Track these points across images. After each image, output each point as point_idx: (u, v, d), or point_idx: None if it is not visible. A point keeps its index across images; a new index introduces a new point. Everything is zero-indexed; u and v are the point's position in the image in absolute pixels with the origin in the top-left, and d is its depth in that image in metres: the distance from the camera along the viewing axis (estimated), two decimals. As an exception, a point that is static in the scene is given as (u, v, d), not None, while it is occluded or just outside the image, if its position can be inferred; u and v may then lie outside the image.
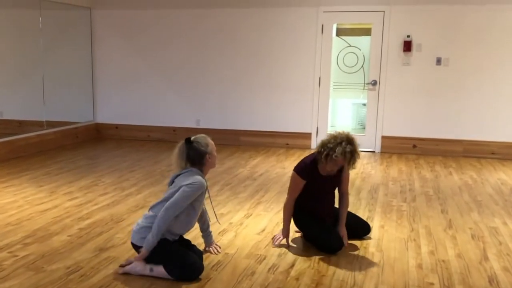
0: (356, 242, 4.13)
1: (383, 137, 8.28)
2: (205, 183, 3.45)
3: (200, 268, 3.37)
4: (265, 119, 8.58)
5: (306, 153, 8.05)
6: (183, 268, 3.31)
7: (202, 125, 8.76)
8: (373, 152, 8.31)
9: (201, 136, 3.57)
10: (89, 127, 8.93)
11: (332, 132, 3.81)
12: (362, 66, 8.41)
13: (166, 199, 3.41)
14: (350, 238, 4.11)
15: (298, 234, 4.24)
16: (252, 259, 3.75)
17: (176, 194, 3.35)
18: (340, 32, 9.01)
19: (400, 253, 3.92)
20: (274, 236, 4.11)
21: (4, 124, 8.33)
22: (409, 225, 4.60)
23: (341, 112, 9.88)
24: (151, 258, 3.35)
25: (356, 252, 3.92)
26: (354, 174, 6.66)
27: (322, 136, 8.44)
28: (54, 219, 4.55)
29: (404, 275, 3.51)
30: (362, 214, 4.90)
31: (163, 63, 8.77)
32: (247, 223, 4.57)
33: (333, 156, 3.69)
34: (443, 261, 3.78)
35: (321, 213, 4.03)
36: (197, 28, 8.57)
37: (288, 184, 4.16)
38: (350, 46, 8.45)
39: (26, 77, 8.25)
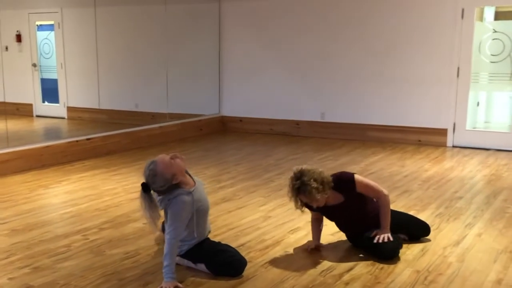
0: (439, 250, 3.88)
1: (532, 135, 7.54)
2: (188, 198, 3.38)
3: (238, 266, 3.43)
4: (395, 113, 8.28)
5: (440, 151, 7.64)
6: (221, 267, 3.43)
7: (327, 119, 8.73)
8: (520, 152, 7.61)
9: (151, 170, 3.36)
10: (214, 119, 9.38)
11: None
12: (509, 54, 7.71)
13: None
14: (410, 240, 3.98)
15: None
16: (310, 259, 3.71)
17: (168, 221, 3.37)
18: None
19: (483, 266, 3.59)
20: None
21: (138, 116, 9.16)
22: (513, 235, 4.19)
23: (497, 106, 9.13)
24: (192, 257, 3.51)
25: (432, 260, 3.68)
26: (481, 175, 6.19)
27: (460, 133, 7.93)
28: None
29: (473, 290, 3.23)
30: (464, 220, 4.56)
31: (288, 55, 8.89)
32: (326, 222, 4.49)
33: (290, 199, 3.65)
34: (533, 278, 3.39)
35: (363, 230, 3.85)
36: (324, 19, 8.54)
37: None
38: (495, 31, 7.80)
39: (157, 71, 8.96)
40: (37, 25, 9.06)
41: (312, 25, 8.64)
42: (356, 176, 3.76)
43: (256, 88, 9.21)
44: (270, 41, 9.00)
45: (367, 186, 3.77)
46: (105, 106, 9.11)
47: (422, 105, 8.11)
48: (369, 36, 8.29)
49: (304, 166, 3.64)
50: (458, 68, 7.87)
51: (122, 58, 9.20)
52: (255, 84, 9.21)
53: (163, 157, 3.42)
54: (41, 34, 9.09)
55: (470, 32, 7.76)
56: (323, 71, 8.68)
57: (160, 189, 3.37)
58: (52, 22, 8.98)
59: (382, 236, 3.71)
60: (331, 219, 3.94)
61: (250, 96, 9.28)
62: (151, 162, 3.40)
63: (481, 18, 8.18)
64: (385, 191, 3.80)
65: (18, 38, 8.76)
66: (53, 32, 8.95)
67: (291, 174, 3.63)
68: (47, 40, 9.08)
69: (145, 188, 3.38)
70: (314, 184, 3.50)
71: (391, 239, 3.71)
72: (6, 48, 8.40)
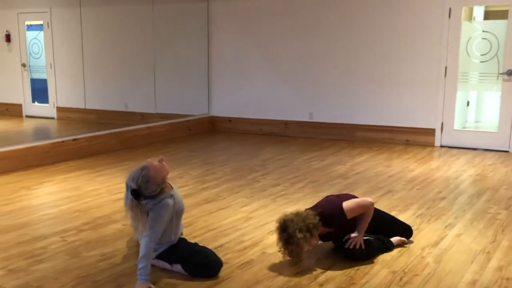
0: (417, 251, 3.87)
1: (520, 135, 7.54)
2: (171, 201, 3.42)
3: (214, 266, 3.44)
4: (383, 113, 8.28)
5: (427, 151, 7.64)
6: (197, 267, 3.42)
7: (315, 119, 8.72)
8: (507, 152, 7.59)
9: (144, 176, 3.32)
10: (203, 120, 9.36)
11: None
12: (496, 54, 7.72)
13: None
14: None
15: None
16: (287, 260, 3.70)
17: (148, 223, 3.34)
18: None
19: (459, 266, 3.59)
20: None
21: (128, 116, 9.14)
22: (492, 236, 4.18)
23: (487, 106, 9.14)
24: (168, 258, 3.50)
25: (409, 261, 3.67)
26: (466, 175, 6.19)
27: (448, 133, 7.93)
28: (122, 208, 4.88)
29: (447, 291, 3.23)
30: (445, 220, 4.56)
31: (277, 55, 8.88)
32: (307, 222, 4.49)
33: (279, 249, 3.64)
34: (508, 279, 3.38)
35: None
36: (312, 20, 8.53)
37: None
38: (483, 31, 7.81)
39: (146, 71, 8.95)
40: (26, 25, 9.03)
41: (301, 26, 8.63)
42: (344, 206, 3.71)
43: (245, 89, 9.20)
44: (259, 41, 8.99)
45: (356, 209, 3.74)
46: (94, 106, 9.10)
47: (410, 105, 8.11)
48: (357, 37, 8.28)
49: (287, 216, 3.60)
50: (446, 68, 7.87)
51: (111, 58, 9.18)
52: (244, 85, 9.20)
53: (152, 161, 3.40)
54: (30, 34, 9.06)
55: (457, 31, 7.76)
56: (312, 72, 8.67)
57: (153, 194, 3.35)
58: (41, 22, 8.95)
59: (353, 242, 3.71)
60: (322, 241, 3.91)
61: (239, 96, 9.27)
62: (142, 168, 3.36)
63: (470, 18, 8.18)
64: (371, 200, 3.81)
65: (7, 38, 8.72)
66: (42, 32, 8.92)
67: (276, 224, 3.62)
68: (36, 40, 9.06)
69: (137, 195, 3.32)
70: (300, 235, 3.48)
71: (363, 246, 3.71)
72: (-5, 48, 8.40)
